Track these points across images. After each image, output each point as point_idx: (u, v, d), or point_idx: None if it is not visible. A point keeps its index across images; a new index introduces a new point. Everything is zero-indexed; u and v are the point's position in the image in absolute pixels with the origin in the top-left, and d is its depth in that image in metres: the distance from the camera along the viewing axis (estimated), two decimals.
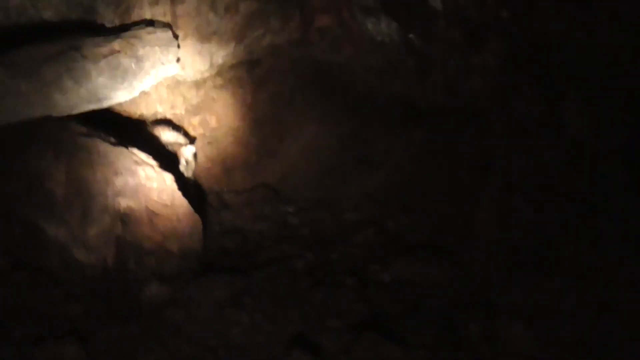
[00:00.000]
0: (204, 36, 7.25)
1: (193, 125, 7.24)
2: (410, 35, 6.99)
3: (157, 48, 6.77)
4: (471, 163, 6.65)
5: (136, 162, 6.29)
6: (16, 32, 6.32)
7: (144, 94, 6.93)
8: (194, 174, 7.05)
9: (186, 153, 7.00)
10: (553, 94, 6.05)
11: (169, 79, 7.13)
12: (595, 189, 5.62)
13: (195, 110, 7.32)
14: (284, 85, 7.44)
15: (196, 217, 6.37)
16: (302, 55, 7.55)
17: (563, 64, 5.92)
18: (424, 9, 6.77)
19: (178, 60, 6.99)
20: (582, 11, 5.69)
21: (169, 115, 7.29)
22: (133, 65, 6.55)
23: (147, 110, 7.21)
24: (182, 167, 6.94)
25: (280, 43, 7.53)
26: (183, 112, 7.31)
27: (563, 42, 5.87)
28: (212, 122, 7.28)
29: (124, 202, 6.12)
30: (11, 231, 6.01)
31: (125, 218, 6.09)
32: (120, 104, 6.90)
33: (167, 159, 6.76)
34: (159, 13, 7.00)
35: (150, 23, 6.89)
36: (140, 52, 6.62)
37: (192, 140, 7.11)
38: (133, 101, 6.92)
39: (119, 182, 6.15)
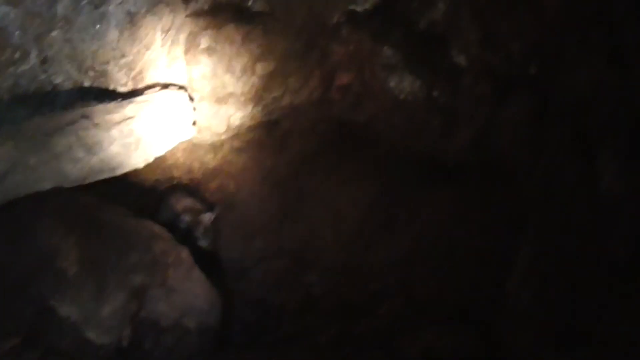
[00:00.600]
0: (221, 98, 7.09)
1: (211, 190, 7.07)
2: (435, 93, 6.86)
3: (172, 112, 6.66)
4: (502, 224, 6.42)
5: (150, 236, 6.13)
6: (26, 99, 6.18)
7: (159, 158, 6.79)
8: (212, 241, 6.84)
9: (204, 220, 6.80)
10: (587, 150, 5.86)
11: (185, 142, 7.01)
12: (635, 253, 5.40)
13: (213, 174, 7.15)
14: (304, 147, 7.24)
15: (214, 291, 6.19)
16: (322, 115, 7.38)
17: (596, 119, 5.73)
18: (449, 65, 6.69)
19: (194, 123, 6.90)
20: (614, 65, 5.52)
21: (185, 181, 7.11)
22: (147, 131, 6.46)
23: (162, 175, 7.04)
24: (199, 235, 6.75)
25: (299, 103, 7.36)
26: (200, 177, 7.13)
27: (595, 96, 5.69)
28: (231, 186, 7.10)
29: (138, 279, 5.93)
30: (22, 309, 5.82)
31: (140, 295, 5.90)
32: (134, 170, 6.72)
33: (184, 229, 6.62)
34: (174, 75, 6.88)
35: (165, 86, 6.78)
36: (155, 116, 6.52)
37: (210, 206, 6.92)
38: (148, 167, 6.76)
39: (133, 257, 5.97)
